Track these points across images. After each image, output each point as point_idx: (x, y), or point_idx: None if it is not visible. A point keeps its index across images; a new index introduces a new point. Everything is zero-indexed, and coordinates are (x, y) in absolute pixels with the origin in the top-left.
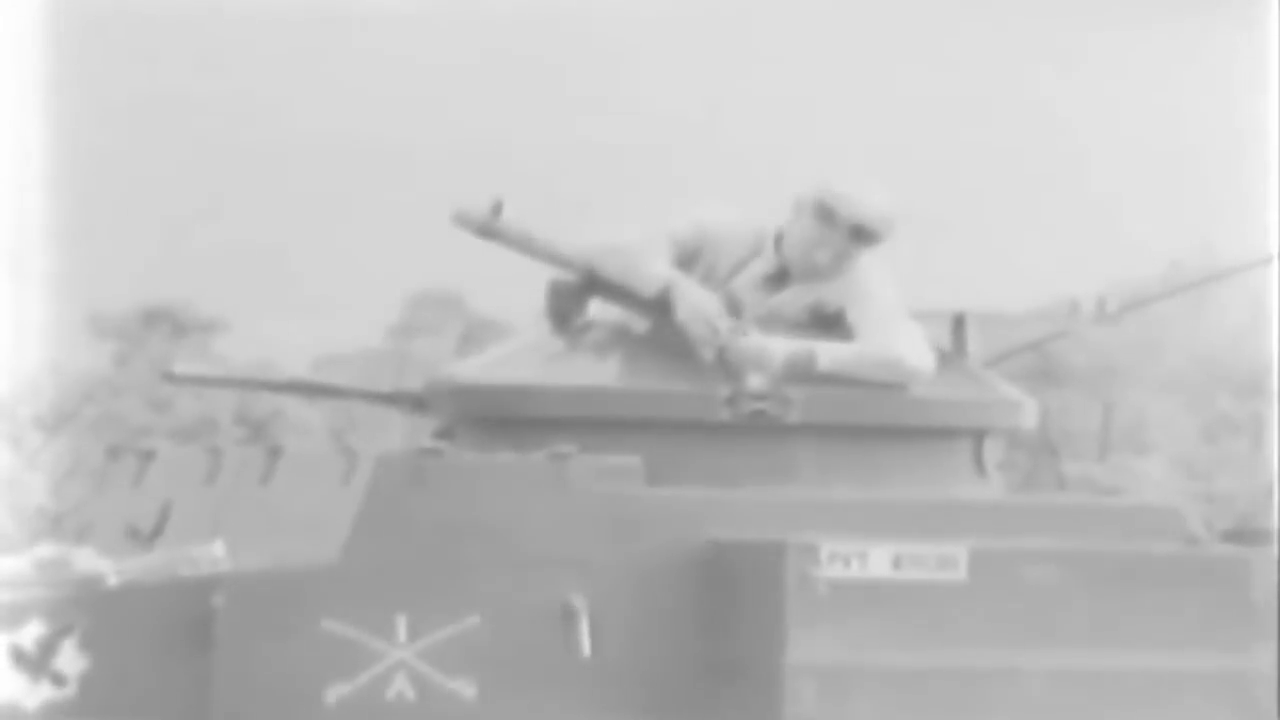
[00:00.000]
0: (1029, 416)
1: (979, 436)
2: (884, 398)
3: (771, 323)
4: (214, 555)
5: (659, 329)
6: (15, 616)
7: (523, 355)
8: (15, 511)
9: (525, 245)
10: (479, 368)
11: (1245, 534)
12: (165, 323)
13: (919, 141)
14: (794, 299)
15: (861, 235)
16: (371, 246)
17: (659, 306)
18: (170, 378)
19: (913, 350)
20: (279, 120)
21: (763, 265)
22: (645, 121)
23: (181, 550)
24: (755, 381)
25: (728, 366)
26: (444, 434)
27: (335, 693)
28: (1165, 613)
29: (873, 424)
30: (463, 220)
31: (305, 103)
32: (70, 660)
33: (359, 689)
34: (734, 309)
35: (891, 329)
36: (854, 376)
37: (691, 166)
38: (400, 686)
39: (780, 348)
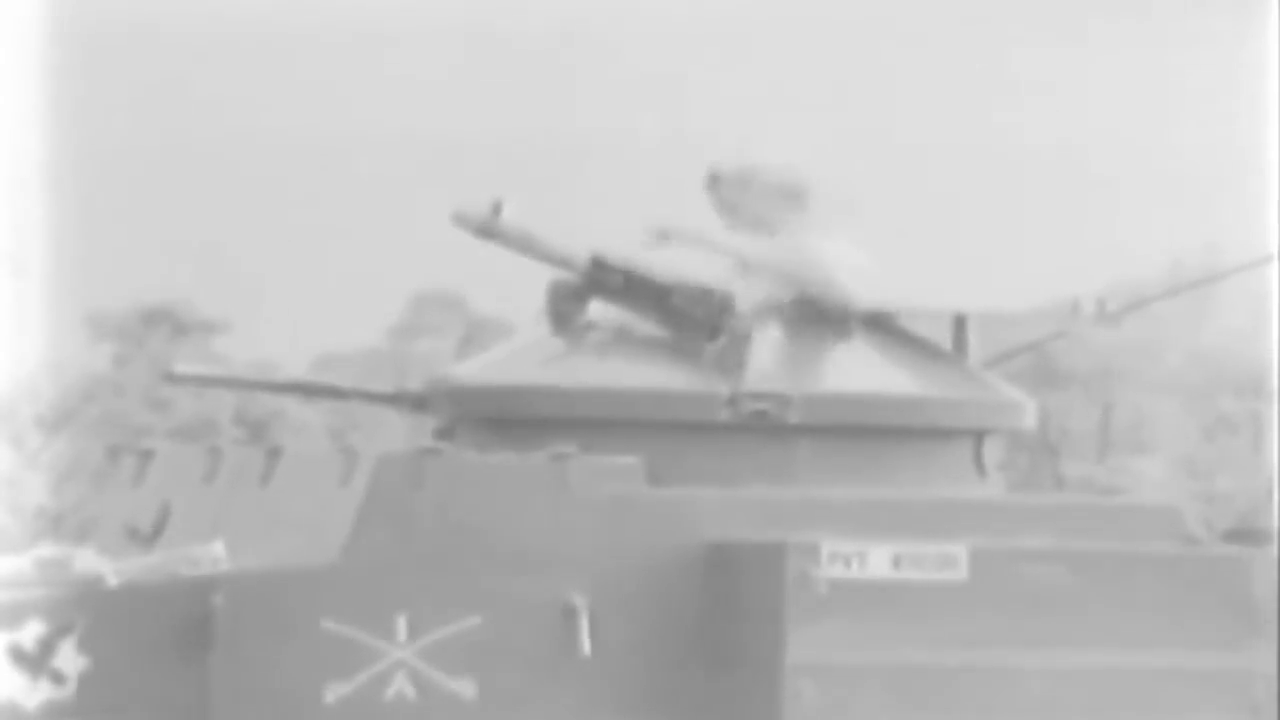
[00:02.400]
0: (1029, 417)
1: (979, 437)
2: (884, 398)
3: (763, 314)
4: (214, 555)
5: (665, 328)
6: (15, 616)
7: (523, 356)
8: (15, 511)
9: (525, 245)
10: (479, 368)
11: (1245, 534)
12: (165, 323)
13: (919, 142)
14: (764, 283)
15: (717, 182)
16: (372, 247)
17: (660, 305)
18: (171, 378)
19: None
20: (280, 121)
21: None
22: (647, 121)
23: (181, 550)
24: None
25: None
26: (444, 434)
27: (335, 692)
28: (1165, 612)
29: (872, 424)
30: (463, 220)
31: (306, 103)
32: (70, 659)
33: (359, 688)
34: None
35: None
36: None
37: (693, 165)
38: (400, 686)
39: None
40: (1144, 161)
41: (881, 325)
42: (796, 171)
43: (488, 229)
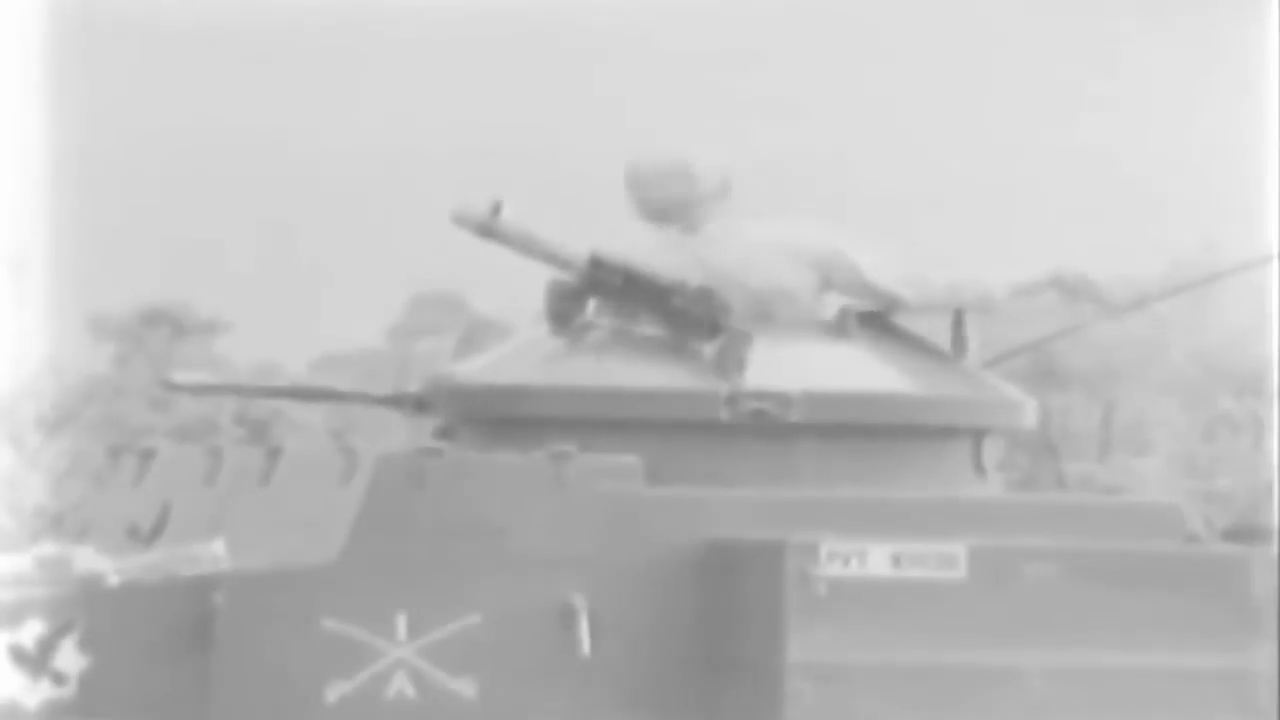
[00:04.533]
0: (1029, 416)
1: (979, 436)
2: (884, 398)
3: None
4: (214, 554)
5: (664, 327)
6: (15, 615)
7: (523, 356)
8: (16, 510)
9: (525, 245)
10: (479, 368)
11: (1245, 532)
12: (165, 323)
13: (920, 142)
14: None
15: (634, 177)
16: (372, 247)
17: (660, 304)
18: (169, 385)
19: None
20: (280, 122)
21: None
22: (647, 121)
23: (182, 549)
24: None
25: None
26: (444, 434)
27: (335, 691)
28: (1165, 612)
29: (873, 424)
30: (462, 220)
31: (306, 104)
32: (70, 659)
33: (359, 687)
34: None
35: None
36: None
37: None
38: (400, 685)
39: None
40: (1144, 161)
41: (880, 324)
42: (723, 165)
43: (487, 229)
